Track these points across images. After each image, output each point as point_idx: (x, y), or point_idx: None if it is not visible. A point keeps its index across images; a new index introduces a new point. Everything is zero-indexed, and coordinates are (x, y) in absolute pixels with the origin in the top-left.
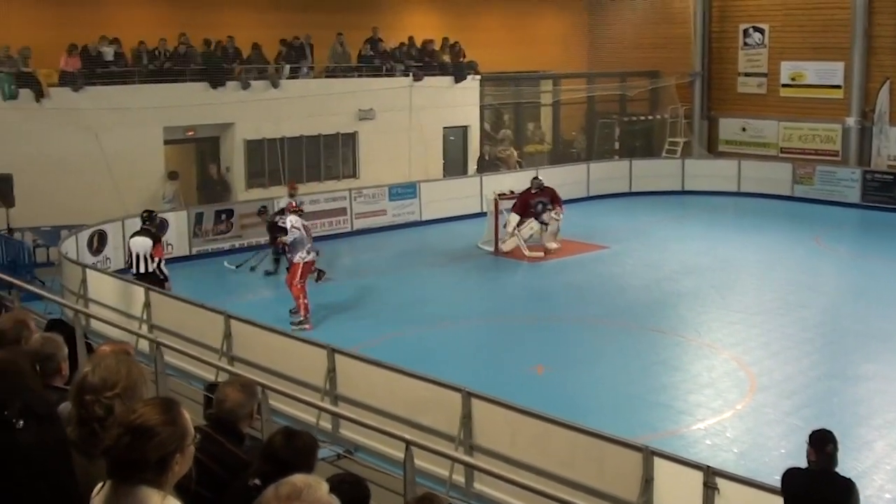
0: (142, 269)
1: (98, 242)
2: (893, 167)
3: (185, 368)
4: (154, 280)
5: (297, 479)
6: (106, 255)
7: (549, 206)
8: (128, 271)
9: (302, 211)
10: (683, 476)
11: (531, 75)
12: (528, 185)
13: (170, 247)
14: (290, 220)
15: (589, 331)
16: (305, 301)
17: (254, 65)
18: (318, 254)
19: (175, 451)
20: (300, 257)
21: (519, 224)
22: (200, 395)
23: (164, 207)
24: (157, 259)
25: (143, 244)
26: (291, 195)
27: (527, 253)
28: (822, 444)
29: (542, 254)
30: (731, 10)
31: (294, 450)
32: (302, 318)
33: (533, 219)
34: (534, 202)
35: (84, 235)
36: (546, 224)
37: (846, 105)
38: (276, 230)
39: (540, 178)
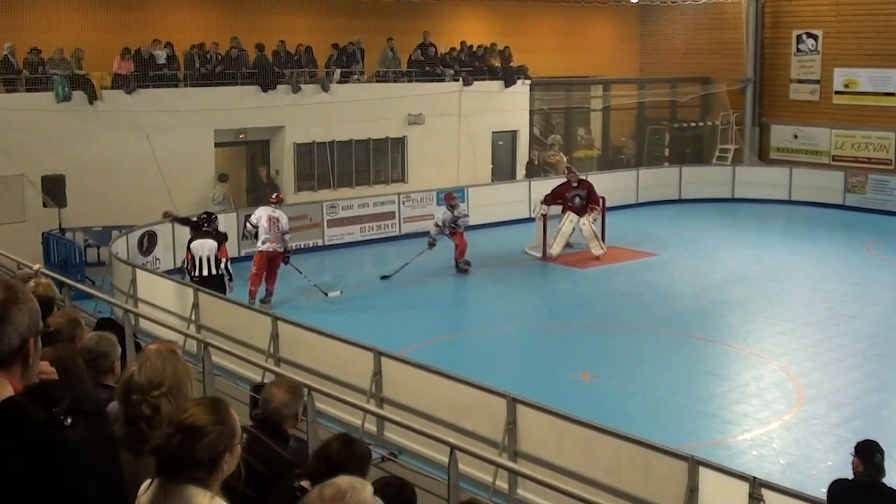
0: (204, 272)
1: (148, 243)
2: None
3: (232, 369)
4: (218, 281)
5: (342, 480)
6: (156, 255)
7: (585, 200)
8: (182, 273)
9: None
10: (729, 486)
11: (581, 80)
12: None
13: None
14: (255, 213)
15: (636, 338)
16: (252, 288)
17: (305, 69)
18: (285, 250)
19: (224, 450)
20: (258, 246)
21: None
22: (247, 396)
23: (215, 209)
24: (223, 260)
25: (208, 246)
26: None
27: (554, 251)
28: (869, 454)
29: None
30: (784, 16)
31: (350, 456)
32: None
33: (570, 213)
34: (570, 195)
35: (134, 236)
36: (581, 229)
37: None
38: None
39: (575, 171)
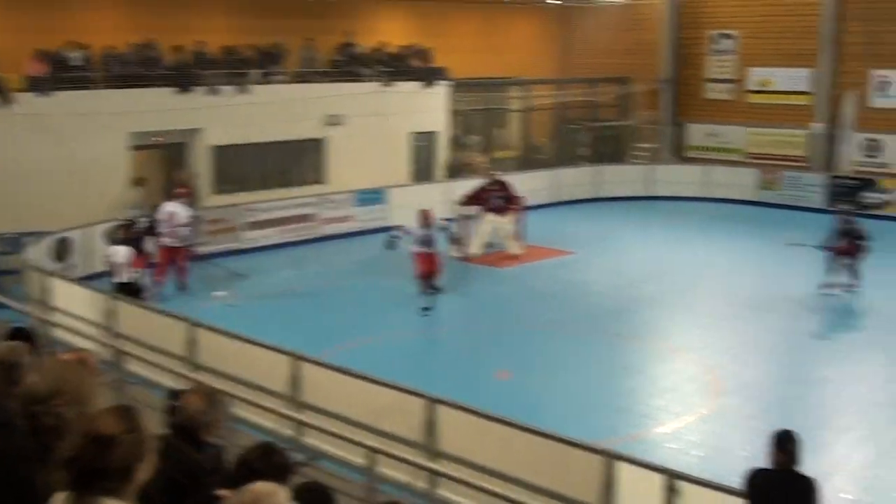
0: (122, 279)
1: (62, 249)
2: (858, 172)
3: (149, 377)
4: (132, 290)
5: (258, 486)
6: (71, 261)
7: (505, 201)
8: (96, 279)
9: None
10: (645, 479)
11: (501, 81)
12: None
13: None
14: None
15: (553, 336)
16: (157, 278)
17: (223, 70)
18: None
19: (138, 459)
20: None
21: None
22: (163, 404)
23: (130, 214)
24: (136, 269)
25: (122, 253)
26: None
27: (472, 250)
28: (785, 443)
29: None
30: (700, 17)
31: (270, 465)
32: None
33: (490, 213)
34: (489, 196)
35: (48, 242)
36: (498, 228)
37: (812, 111)
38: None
39: (493, 172)
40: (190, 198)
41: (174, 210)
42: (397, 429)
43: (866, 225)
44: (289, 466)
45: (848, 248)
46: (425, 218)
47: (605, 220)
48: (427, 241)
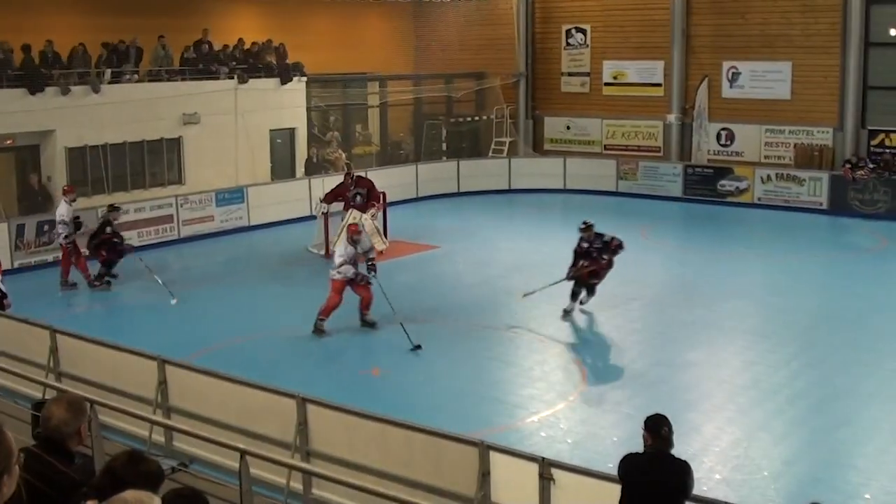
0: None
1: None
2: (713, 161)
3: (11, 387)
4: None
5: (128, 494)
6: None
7: (366, 198)
8: None
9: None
10: (519, 468)
11: (358, 77)
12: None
13: None
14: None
15: (423, 330)
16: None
17: (74, 69)
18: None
19: (1, 472)
20: None
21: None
22: (28, 415)
23: None
24: None
25: None
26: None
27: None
28: (658, 427)
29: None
30: (553, 12)
31: (138, 473)
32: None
33: (353, 210)
34: (350, 194)
35: None
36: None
37: (667, 102)
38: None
39: (353, 170)
40: (73, 195)
41: (60, 209)
42: (269, 430)
43: (723, 213)
44: (158, 473)
45: (592, 268)
46: (352, 234)
47: (468, 214)
48: (354, 263)
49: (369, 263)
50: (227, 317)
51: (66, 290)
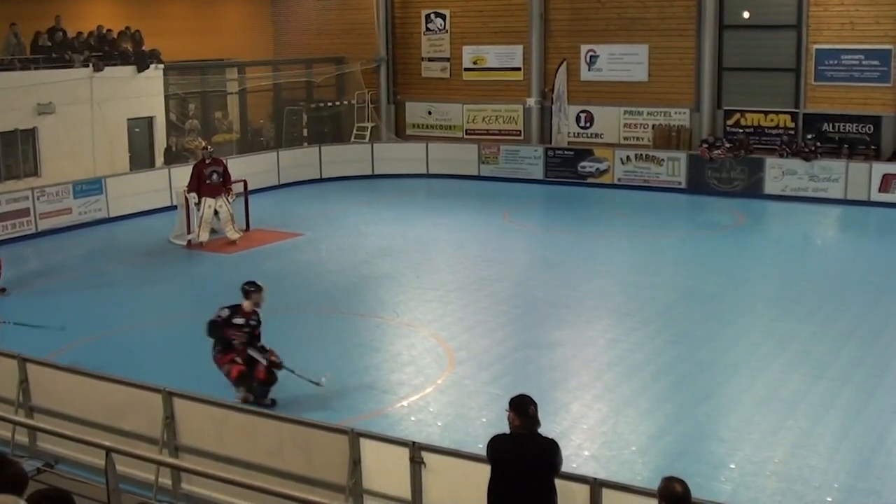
0: None
1: None
2: (573, 143)
3: None
4: None
5: None
6: None
7: (222, 177)
8: None
9: None
10: (390, 453)
11: (216, 63)
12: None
13: None
14: None
15: (288, 319)
16: None
17: None
18: None
19: None
20: None
21: (197, 204)
22: None
23: None
24: None
25: None
26: None
27: (203, 238)
28: (524, 407)
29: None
30: None
31: (1, 478)
32: None
33: (207, 198)
34: (207, 171)
35: None
36: (217, 212)
37: (526, 86)
38: None
39: (209, 146)
40: None
41: None
42: (136, 426)
43: (584, 195)
44: (22, 476)
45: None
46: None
47: (331, 200)
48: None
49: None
50: (89, 312)
51: None
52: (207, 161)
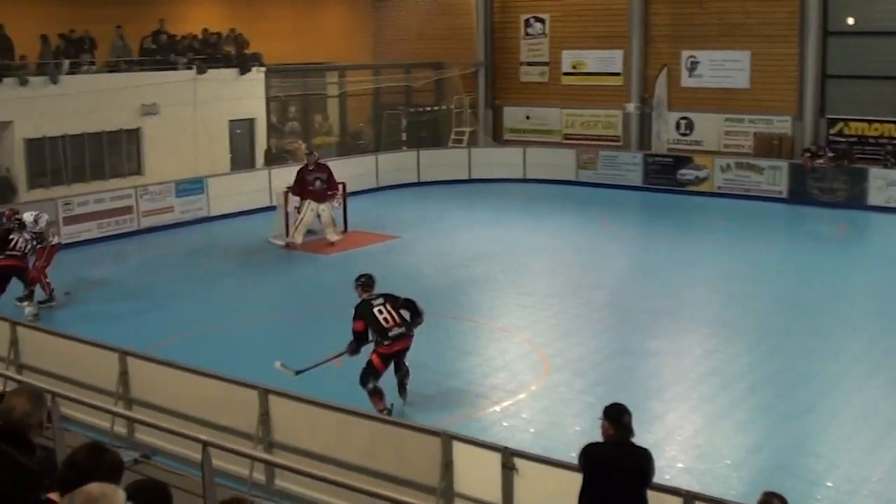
0: None
1: None
2: (672, 150)
3: None
4: None
5: (93, 487)
6: None
7: (326, 183)
8: None
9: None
10: (482, 458)
11: (317, 67)
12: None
13: None
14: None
15: None
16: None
17: (32, 60)
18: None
19: None
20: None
21: (298, 208)
22: None
23: None
24: None
25: None
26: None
27: (297, 239)
28: (618, 416)
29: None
30: (512, 1)
31: (99, 464)
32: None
33: (311, 201)
34: (311, 178)
35: None
36: (319, 215)
37: (626, 92)
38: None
39: (315, 153)
40: None
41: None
42: (232, 421)
43: (683, 202)
44: (118, 464)
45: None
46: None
47: (428, 204)
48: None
49: None
50: (188, 307)
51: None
52: (311, 168)
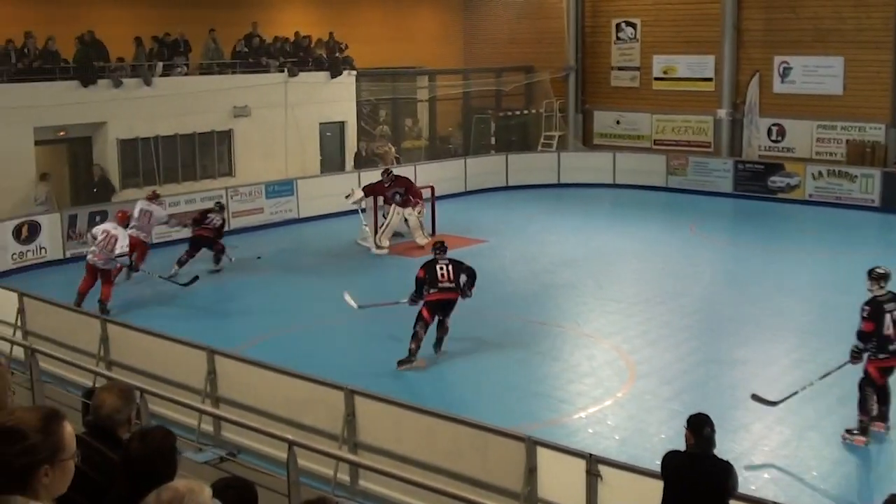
0: None
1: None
2: (764, 157)
3: (63, 375)
4: None
5: (180, 483)
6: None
7: (405, 196)
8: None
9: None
10: (566, 464)
11: (407, 71)
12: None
13: (43, 250)
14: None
15: (469, 323)
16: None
17: (126, 62)
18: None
19: (43, 460)
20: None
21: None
22: (79, 402)
23: (37, 210)
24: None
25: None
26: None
27: (384, 242)
28: (700, 427)
29: (386, 251)
30: (603, 5)
31: (148, 448)
32: None
33: (395, 205)
34: (390, 193)
35: None
36: (406, 219)
37: (717, 97)
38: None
39: (392, 170)
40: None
41: (151, 209)
42: (317, 421)
43: (773, 210)
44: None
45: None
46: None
47: (516, 208)
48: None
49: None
50: (276, 308)
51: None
52: (387, 185)
